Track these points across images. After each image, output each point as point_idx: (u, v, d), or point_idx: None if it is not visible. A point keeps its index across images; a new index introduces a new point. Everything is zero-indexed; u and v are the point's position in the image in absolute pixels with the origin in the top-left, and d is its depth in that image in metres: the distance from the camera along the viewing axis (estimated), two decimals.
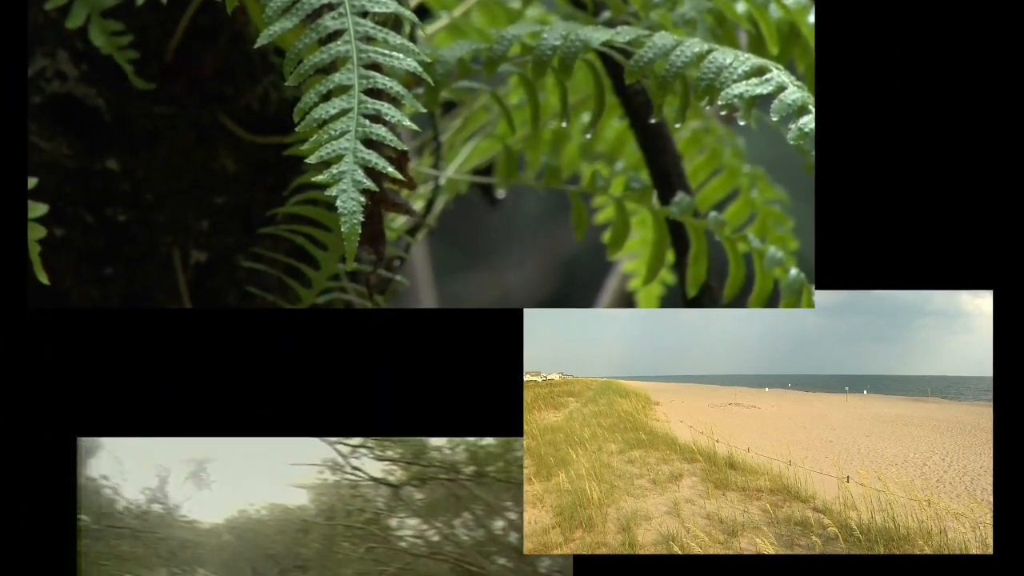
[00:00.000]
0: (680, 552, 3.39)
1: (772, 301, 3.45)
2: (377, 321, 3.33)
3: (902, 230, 3.41)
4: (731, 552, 3.41)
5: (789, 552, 3.41)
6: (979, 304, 3.41)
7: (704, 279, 3.53)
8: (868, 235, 3.39)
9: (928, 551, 3.35)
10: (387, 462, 3.48)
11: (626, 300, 4.47)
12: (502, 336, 3.32)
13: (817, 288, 3.40)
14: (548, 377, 3.82)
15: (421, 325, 3.33)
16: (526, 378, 3.35)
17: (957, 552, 3.32)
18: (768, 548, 3.42)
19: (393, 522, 3.55)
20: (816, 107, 2.89)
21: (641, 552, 3.40)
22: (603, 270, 4.74)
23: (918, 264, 3.40)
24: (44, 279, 2.98)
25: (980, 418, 3.40)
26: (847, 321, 3.64)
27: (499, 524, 3.55)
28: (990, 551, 3.28)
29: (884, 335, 3.73)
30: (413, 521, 3.57)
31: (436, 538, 3.57)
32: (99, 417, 3.29)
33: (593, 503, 3.83)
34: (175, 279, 3.40)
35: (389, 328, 3.31)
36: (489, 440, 3.38)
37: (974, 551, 3.31)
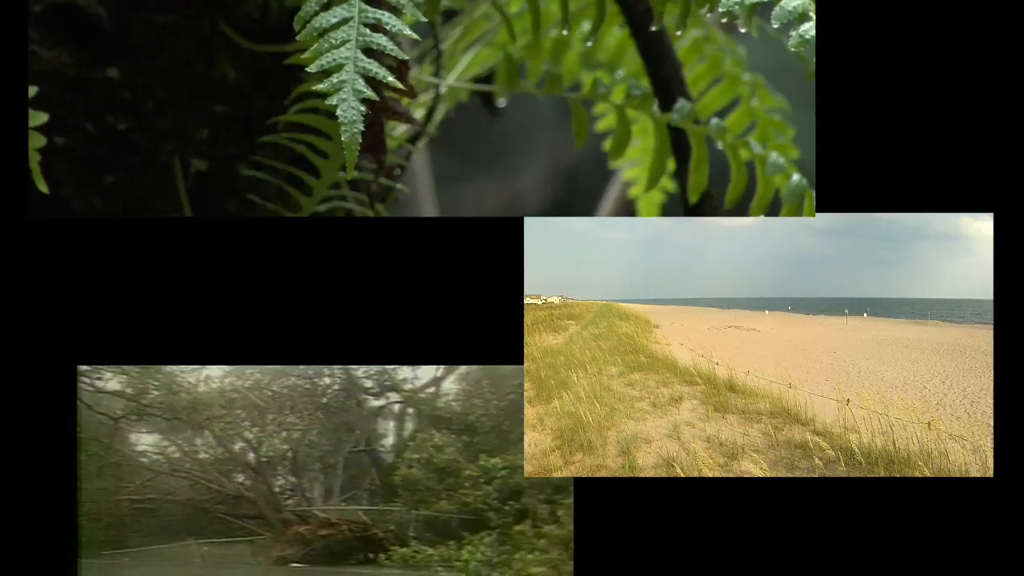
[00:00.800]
0: (680, 475, 3.40)
1: (774, 208, 3.43)
2: (378, 229, 3.32)
3: (902, 151, 3.39)
4: (731, 475, 3.42)
5: (789, 475, 3.42)
6: (979, 227, 3.40)
7: (705, 186, 3.51)
8: (868, 153, 3.38)
9: (928, 474, 3.36)
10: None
11: (627, 208, 4.45)
12: (503, 246, 3.31)
13: (818, 211, 3.38)
14: (548, 300, 3.81)
15: (421, 233, 3.32)
16: (526, 301, 3.34)
17: (957, 475, 3.32)
18: (768, 471, 3.43)
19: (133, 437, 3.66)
20: (817, 14, 2.86)
21: (641, 475, 3.41)
22: (604, 178, 4.72)
23: (918, 186, 3.39)
24: (44, 188, 2.97)
25: (980, 341, 3.40)
26: (847, 244, 3.63)
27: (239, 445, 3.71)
28: (991, 474, 3.29)
29: (884, 258, 3.72)
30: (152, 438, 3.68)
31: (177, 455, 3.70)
32: (98, 336, 3.30)
33: (593, 426, 3.84)
34: (175, 187, 3.39)
35: (390, 236, 3.30)
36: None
37: (975, 474, 3.31)
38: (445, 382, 3.72)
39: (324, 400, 3.71)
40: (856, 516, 3.28)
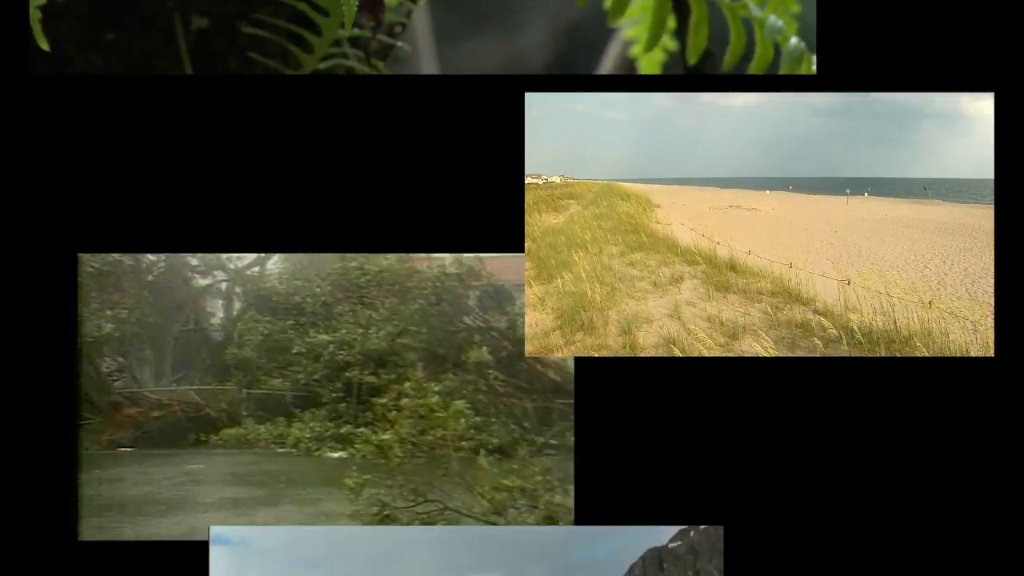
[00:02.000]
0: (681, 355, 3.41)
1: (773, 68, 3.42)
2: (377, 87, 3.30)
3: (903, 31, 3.37)
4: (732, 355, 3.43)
5: (790, 355, 3.43)
6: (980, 107, 3.38)
7: (705, 46, 3.50)
8: (870, 32, 3.36)
9: (929, 354, 3.36)
10: None
11: (627, 66, 4.42)
12: (502, 106, 3.30)
13: (818, 91, 3.37)
14: (549, 179, 3.80)
15: (422, 91, 3.31)
16: (527, 180, 3.33)
17: (958, 355, 3.33)
18: (769, 350, 3.44)
19: None
20: None
21: (642, 355, 3.42)
22: (605, 37, 4.69)
23: (919, 65, 3.37)
24: (45, 46, 2.96)
25: (981, 220, 3.39)
26: (848, 123, 3.61)
27: None
28: (991, 353, 3.29)
29: (885, 137, 3.70)
30: None
31: None
32: (95, 204, 3.29)
33: (594, 306, 3.84)
34: (176, 45, 3.37)
35: (390, 95, 3.29)
36: None
37: (975, 353, 3.32)
38: (268, 262, 3.71)
39: (150, 278, 3.66)
40: (857, 395, 3.29)
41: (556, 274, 4.14)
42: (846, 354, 3.42)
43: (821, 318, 3.83)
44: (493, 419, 3.49)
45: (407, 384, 3.48)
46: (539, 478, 3.39)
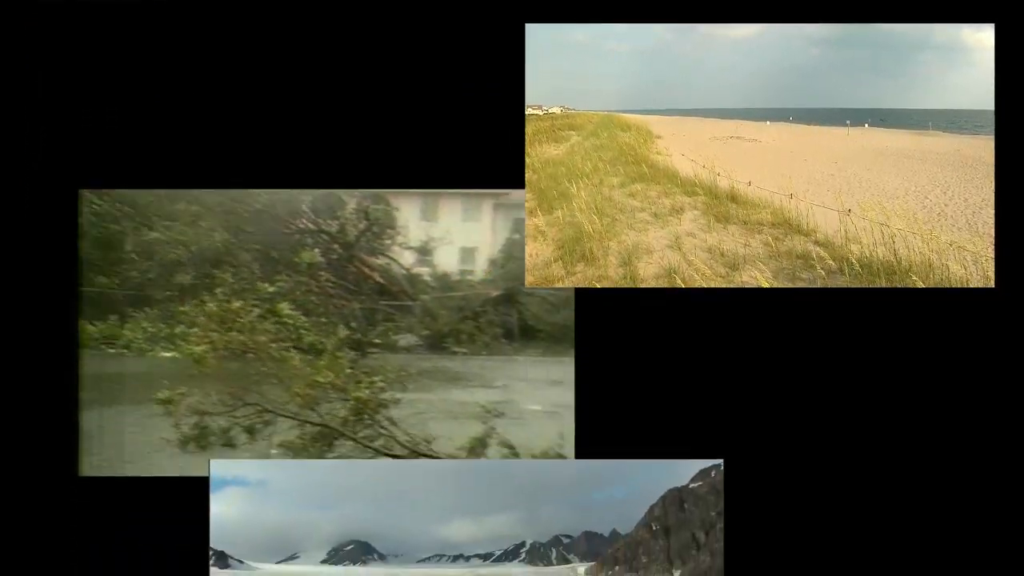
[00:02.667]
0: (682, 285, 3.41)
1: None
2: (376, 14, 3.30)
3: None
4: (732, 285, 3.43)
5: (791, 285, 3.43)
6: (980, 38, 3.38)
7: None
8: None
9: (929, 284, 3.37)
10: None
11: None
12: (502, 37, 3.30)
13: (818, 21, 3.36)
14: (549, 110, 3.79)
15: (421, 19, 3.31)
16: (527, 111, 3.32)
17: (958, 285, 3.33)
18: (770, 281, 3.44)
19: None
20: None
21: (643, 285, 3.42)
22: None
23: None
24: None
25: (981, 151, 3.39)
26: (849, 54, 3.60)
27: None
28: (992, 284, 3.30)
29: (885, 68, 3.69)
30: None
31: None
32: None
33: (594, 237, 3.84)
34: None
35: (388, 22, 3.29)
36: None
37: (975, 284, 3.32)
38: None
39: None
40: (858, 326, 3.30)
41: (557, 205, 4.14)
42: (847, 285, 3.42)
43: (821, 249, 3.83)
44: (323, 319, 3.53)
45: (230, 285, 3.50)
46: (348, 371, 3.45)
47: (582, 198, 4.22)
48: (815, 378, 3.28)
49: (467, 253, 3.53)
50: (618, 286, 3.41)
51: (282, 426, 3.42)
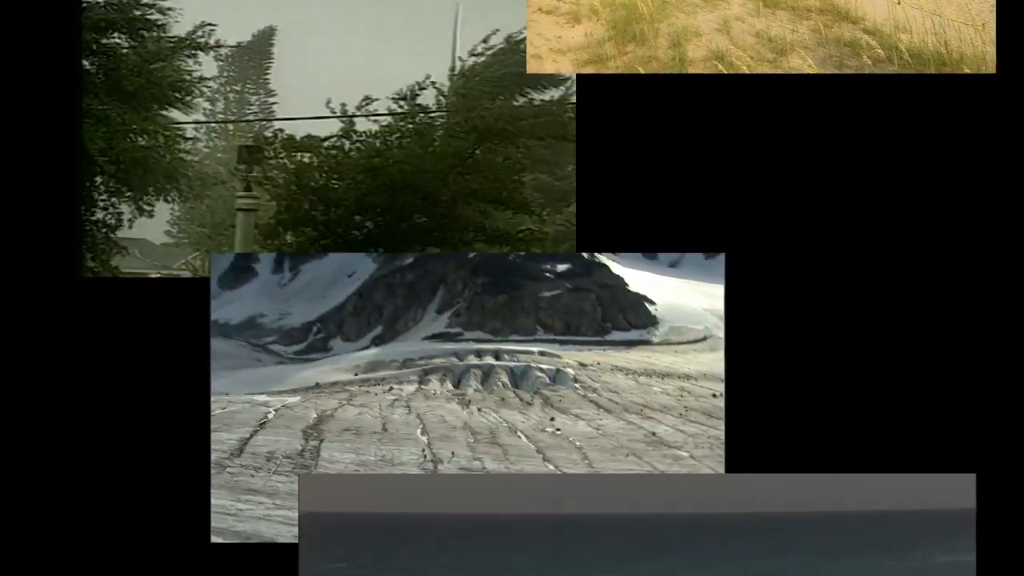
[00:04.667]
0: (725, 72, 3.42)
1: None
2: None
3: None
4: (779, 71, 3.44)
5: (838, 72, 3.43)
6: None
7: None
8: None
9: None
10: None
11: None
12: None
13: None
14: None
15: None
16: None
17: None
18: (816, 68, 3.44)
19: None
20: None
21: (690, 70, 3.43)
22: None
23: None
24: None
25: None
26: None
27: None
28: None
29: None
30: None
31: None
32: None
33: (645, 18, 3.83)
34: None
35: None
36: None
37: None
38: None
39: None
40: (905, 114, 3.31)
41: None
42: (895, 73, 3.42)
43: (870, 37, 3.82)
44: None
45: None
46: None
47: None
48: (860, 166, 3.31)
49: None
50: (667, 70, 3.43)
51: None
